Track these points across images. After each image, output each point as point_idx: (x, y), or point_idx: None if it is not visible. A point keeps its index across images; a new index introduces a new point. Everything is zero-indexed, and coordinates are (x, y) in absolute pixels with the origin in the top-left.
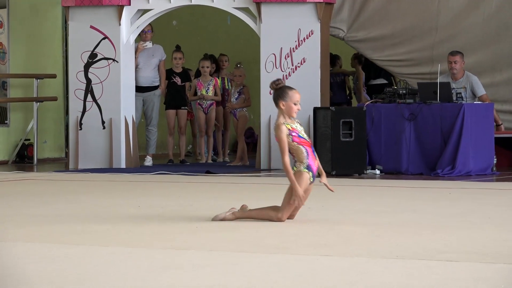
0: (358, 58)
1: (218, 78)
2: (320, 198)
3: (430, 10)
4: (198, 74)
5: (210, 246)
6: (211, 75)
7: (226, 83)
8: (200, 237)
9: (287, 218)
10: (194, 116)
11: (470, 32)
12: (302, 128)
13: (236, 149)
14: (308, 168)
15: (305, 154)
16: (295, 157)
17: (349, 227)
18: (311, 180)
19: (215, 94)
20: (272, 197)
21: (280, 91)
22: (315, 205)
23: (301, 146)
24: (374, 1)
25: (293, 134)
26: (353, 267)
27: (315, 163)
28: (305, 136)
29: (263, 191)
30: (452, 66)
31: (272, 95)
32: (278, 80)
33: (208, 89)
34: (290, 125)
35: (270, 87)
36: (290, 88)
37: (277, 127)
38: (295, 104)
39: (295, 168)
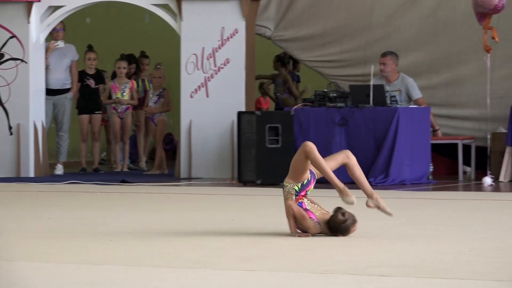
0: (281, 60)
1: (138, 80)
2: (245, 209)
3: (364, 8)
4: (115, 75)
5: (125, 260)
6: (130, 76)
7: (147, 85)
8: (114, 251)
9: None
10: (109, 121)
11: (406, 31)
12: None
13: (154, 156)
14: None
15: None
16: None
17: (276, 240)
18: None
19: (132, 97)
20: (194, 208)
21: (344, 227)
22: (239, 216)
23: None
24: None
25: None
26: (279, 282)
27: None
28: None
29: (183, 201)
30: (382, 68)
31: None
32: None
33: (124, 92)
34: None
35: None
36: (353, 225)
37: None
38: None
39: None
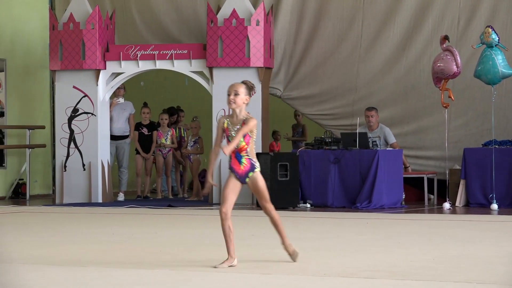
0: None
1: (176, 129)
2: (262, 226)
3: (351, 73)
4: (159, 125)
5: (169, 263)
6: (170, 125)
7: (182, 132)
8: (167, 256)
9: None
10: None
11: (384, 91)
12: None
13: (193, 187)
14: (231, 169)
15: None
16: None
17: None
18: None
19: (172, 142)
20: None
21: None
22: (257, 231)
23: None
24: (305, 66)
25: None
26: (286, 282)
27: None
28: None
29: (215, 221)
30: (369, 120)
31: None
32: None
33: (166, 138)
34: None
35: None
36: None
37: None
38: (228, 95)
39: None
